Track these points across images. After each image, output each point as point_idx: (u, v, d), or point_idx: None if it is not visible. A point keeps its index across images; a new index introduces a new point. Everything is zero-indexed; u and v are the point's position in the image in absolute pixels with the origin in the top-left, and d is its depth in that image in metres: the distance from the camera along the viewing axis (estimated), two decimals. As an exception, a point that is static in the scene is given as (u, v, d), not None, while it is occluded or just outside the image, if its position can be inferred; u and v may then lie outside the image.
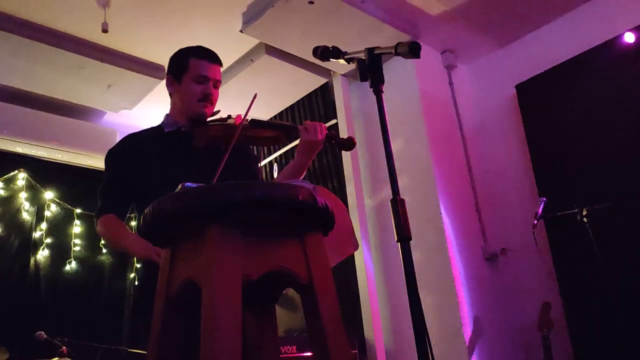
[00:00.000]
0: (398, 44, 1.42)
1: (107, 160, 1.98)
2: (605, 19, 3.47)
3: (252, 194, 1.13)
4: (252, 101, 1.71)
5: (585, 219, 2.82)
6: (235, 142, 1.62)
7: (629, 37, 3.23)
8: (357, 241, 1.57)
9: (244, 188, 1.13)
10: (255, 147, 4.82)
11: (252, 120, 1.93)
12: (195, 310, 1.10)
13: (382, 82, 1.51)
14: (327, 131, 1.96)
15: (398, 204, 1.39)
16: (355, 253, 3.77)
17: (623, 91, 3.21)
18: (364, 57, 1.55)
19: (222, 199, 1.12)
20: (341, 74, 4.15)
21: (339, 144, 2.00)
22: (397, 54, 1.42)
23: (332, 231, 1.31)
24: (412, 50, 1.38)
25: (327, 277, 1.23)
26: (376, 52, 1.51)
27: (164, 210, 1.17)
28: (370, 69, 1.52)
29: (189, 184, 1.17)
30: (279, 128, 1.98)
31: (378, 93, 1.50)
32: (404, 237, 1.36)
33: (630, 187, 3.07)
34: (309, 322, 1.22)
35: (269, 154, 4.81)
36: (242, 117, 1.80)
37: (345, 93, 4.15)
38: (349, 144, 2.00)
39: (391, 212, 1.39)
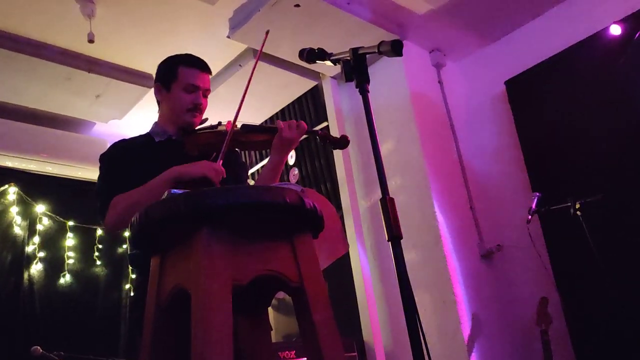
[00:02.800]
0: (381, 43, 1.42)
1: (102, 160, 1.93)
2: (591, 12, 3.48)
3: (239, 198, 1.12)
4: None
5: (578, 212, 2.82)
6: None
7: (615, 30, 3.24)
8: (347, 242, 1.56)
9: (230, 192, 1.13)
10: (246, 152, 4.82)
11: (243, 125, 1.93)
12: (187, 317, 1.09)
13: (368, 81, 1.51)
14: (319, 132, 1.96)
15: (387, 203, 1.38)
16: (351, 255, 3.77)
17: (611, 83, 3.23)
18: (349, 58, 1.55)
19: (209, 204, 1.11)
20: (330, 76, 4.14)
21: (332, 143, 2.01)
22: (380, 53, 1.42)
23: (321, 233, 1.30)
24: (394, 49, 1.38)
25: (318, 279, 1.22)
26: (360, 52, 1.51)
27: (151, 218, 1.16)
28: (355, 69, 1.51)
29: (174, 190, 1.17)
30: (270, 131, 1.98)
31: (364, 93, 1.50)
32: (395, 236, 1.35)
33: (621, 179, 3.08)
34: (302, 324, 1.21)
35: (261, 159, 4.80)
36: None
37: (335, 95, 4.15)
38: (343, 142, 2.00)
39: (381, 212, 1.39)
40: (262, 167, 4.75)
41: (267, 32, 1.66)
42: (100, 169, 1.93)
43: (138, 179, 1.83)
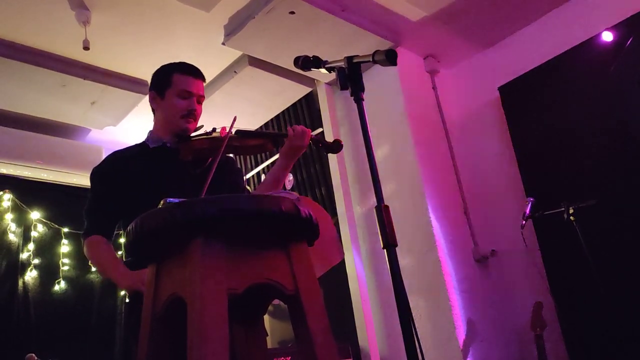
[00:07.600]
0: (375, 52, 1.43)
1: (93, 179, 1.96)
2: (583, 19, 3.51)
3: (234, 207, 1.13)
4: (232, 123, 1.74)
5: (572, 217, 2.84)
6: (222, 153, 1.62)
7: (607, 36, 3.27)
8: (342, 250, 1.57)
9: (225, 201, 1.13)
10: (241, 157, 4.82)
11: (237, 130, 1.95)
12: (183, 325, 1.10)
13: (362, 90, 1.52)
14: (312, 136, 1.98)
15: (382, 211, 1.39)
16: (347, 261, 3.77)
17: (603, 89, 3.25)
18: (344, 66, 1.56)
19: (204, 213, 1.11)
20: (325, 83, 4.16)
21: (326, 147, 2.02)
22: (374, 61, 1.44)
23: (317, 241, 1.31)
24: (388, 58, 1.39)
25: (314, 286, 1.23)
26: (355, 60, 1.52)
27: (146, 227, 1.16)
28: (349, 77, 1.53)
29: (170, 199, 1.17)
30: (265, 136, 2.00)
31: (359, 101, 1.51)
32: (390, 243, 1.36)
33: (614, 184, 3.10)
34: (297, 332, 1.21)
35: (257, 165, 4.81)
36: (227, 130, 1.81)
37: (330, 101, 4.16)
38: (336, 146, 2.02)
39: (376, 220, 1.40)
40: (258, 172, 4.76)
41: (235, 118, 1.77)
42: (91, 186, 1.96)
43: (134, 188, 1.85)
